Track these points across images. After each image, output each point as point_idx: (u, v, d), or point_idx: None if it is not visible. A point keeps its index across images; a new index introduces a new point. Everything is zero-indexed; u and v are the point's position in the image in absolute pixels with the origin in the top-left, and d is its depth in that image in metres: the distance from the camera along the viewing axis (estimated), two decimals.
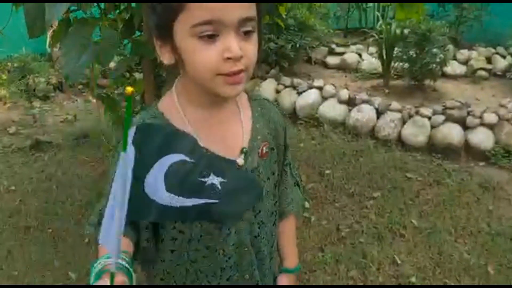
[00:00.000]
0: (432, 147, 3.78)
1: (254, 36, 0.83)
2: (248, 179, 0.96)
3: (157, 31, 0.84)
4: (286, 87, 4.66)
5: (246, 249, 0.98)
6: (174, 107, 0.91)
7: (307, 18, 4.72)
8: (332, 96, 4.35)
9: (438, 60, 4.25)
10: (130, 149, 0.75)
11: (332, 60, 5.36)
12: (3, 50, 4.49)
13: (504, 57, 5.09)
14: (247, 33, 0.81)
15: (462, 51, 5.10)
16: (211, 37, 0.78)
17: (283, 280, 1.17)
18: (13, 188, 3.33)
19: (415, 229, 2.85)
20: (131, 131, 0.78)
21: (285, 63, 4.82)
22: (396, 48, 4.46)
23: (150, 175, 0.83)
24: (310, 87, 4.50)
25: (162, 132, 0.86)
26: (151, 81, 2.73)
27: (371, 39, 4.75)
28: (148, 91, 2.73)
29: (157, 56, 0.87)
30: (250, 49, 0.81)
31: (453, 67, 4.86)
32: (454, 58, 5.01)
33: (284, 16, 4.26)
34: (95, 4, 1.91)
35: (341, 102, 4.26)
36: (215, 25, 0.77)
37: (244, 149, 0.94)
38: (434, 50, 4.19)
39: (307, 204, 3.11)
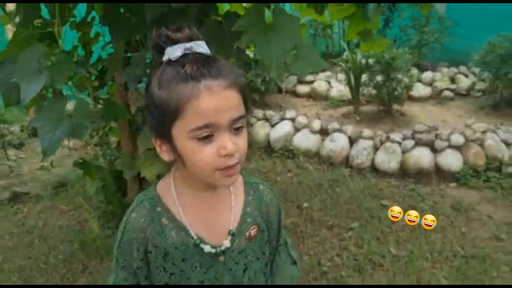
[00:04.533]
0: (405, 172, 3.90)
1: (244, 131, 0.91)
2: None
3: (156, 132, 0.91)
4: (259, 120, 4.74)
5: None
6: (169, 190, 0.99)
7: None
8: (305, 126, 4.46)
9: (403, 85, 4.41)
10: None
11: (302, 89, 5.50)
12: None
13: (466, 76, 5.31)
14: (238, 129, 0.89)
15: (426, 73, 5.30)
16: (207, 138, 0.85)
17: None
18: None
19: (394, 258, 2.92)
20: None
21: (256, 96, 4.92)
22: (363, 75, 4.61)
23: None
24: (283, 119, 4.60)
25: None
26: (127, 129, 2.78)
27: (338, 68, 4.90)
28: (124, 139, 2.78)
29: (157, 152, 0.94)
30: (241, 143, 0.89)
31: (418, 90, 5.04)
32: (419, 81, 5.20)
33: (251, 54, 4.38)
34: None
35: (313, 132, 4.37)
36: (210, 128, 0.85)
37: (231, 231, 1.01)
38: (399, 76, 4.34)
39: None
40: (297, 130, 4.49)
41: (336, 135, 4.24)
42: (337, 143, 4.17)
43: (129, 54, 2.41)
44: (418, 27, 5.40)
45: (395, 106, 4.62)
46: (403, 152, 3.96)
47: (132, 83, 2.28)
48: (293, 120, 4.55)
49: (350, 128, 4.25)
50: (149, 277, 1.01)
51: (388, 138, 4.06)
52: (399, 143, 3.99)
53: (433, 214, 3.25)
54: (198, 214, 0.99)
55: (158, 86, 0.87)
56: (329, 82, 5.43)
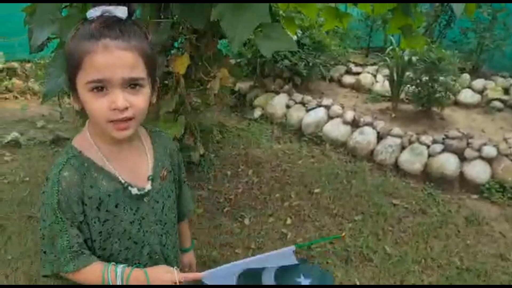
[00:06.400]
0: (427, 176, 3.82)
1: (143, 90, 1.02)
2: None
3: (68, 82, 1.04)
4: (296, 103, 4.80)
5: (157, 257, 1.21)
6: (89, 145, 1.10)
7: (324, 38, 4.84)
8: (338, 116, 4.46)
9: (446, 88, 4.26)
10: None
11: (347, 79, 5.45)
12: None
13: None
14: (134, 87, 1.00)
15: (478, 80, 5.06)
16: (101, 90, 0.97)
17: (184, 258, 1.49)
18: (27, 179, 3.66)
19: (385, 255, 2.93)
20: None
21: (298, 80, 4.96)
22: (407, 73, 4.51)
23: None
24: (319, 105, 4.62)
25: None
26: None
27: (381, 63, 4.81)
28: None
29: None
30: (137, 101, 1.01)
31: (466, 96, 4.83)
32: (469, 87, 4.98)
33: (297, 36, 4.42)
34: None
35: (345, 123, 4.36)
36: (103, 82, 0.97)
37: (150, 176, 1.17)
38: (442, 78, 4.21)
39: (288, 221, 3.26)
40: (330, 118, 4.50)
41: (366, 128, 4.21)
42: (365, 137, 4.15)
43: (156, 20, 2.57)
44: (479, 30, 5.13)
45: (435, 109, 4.48)
46: (429, 156, 3.86)
47: (156, 47, 2.44)
48: (328, 108, 4.57)
49: (381, 124, 4.20)
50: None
51: (417, 139, 3.97)
52: (428, 146, 3.90)
53: (441, 222, 3.22)
54: (120, 163, 1.12)
55: (70, 40, 1.00)
56: (375, 76, 5.34)
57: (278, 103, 4.87)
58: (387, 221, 3.28)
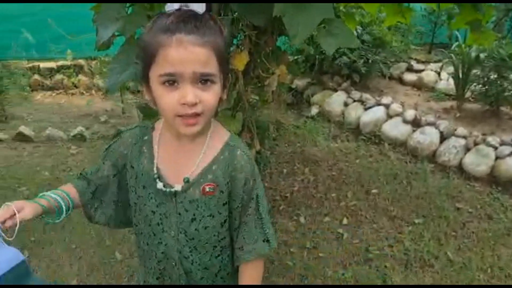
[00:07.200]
0: (494, 179, 3.61)
1: (214, 87, 1.01)
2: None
3: (141, 73, 1.06)
4: (354, 101, 4.69)
5: (174, 263, 1.17)
6: (158, 126, 1.18)
7: (384, 34, 4.70)
8: (398, 114, 4.31)
9: None
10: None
11: (409, 77, 5.25)
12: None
13: None
14: (205, 83, 0.99)
15: None
16: (172, 84, 0.98)
17: None
18: None
19: (448, 262, 2.80)
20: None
21: (356, 77, 4.84)
22: (474, 70, 4.28)
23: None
24: (378, 104, 4.49)
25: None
26: None
27: (446, 60, 4.60)
28: None
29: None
30: (206, 97, 0.99)
31: None
32: None
33: (357, 32, 4.32)
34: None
35: (406, 122, 4.21)
36: (175, 76, 0.97)
37: (186, 179, 1.11)
38: None
39: (345, 221, 3.19)
40: (389, 117, 4.37)
41: (428, 128, 4.04)
42: (427, 136, 3.99)
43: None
44: None
45: (504, 108, 4.23)
46: (497, 158, 3.65)
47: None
48: (387, 106, 4.43)
49: (444, 124, 4.02)
50: (119, 192, 1.24)
51: (484, 140, 3.77)
52: (495, 148, 3.69)
53: (509, 229, 3.05)
54: (169, 154, 1.14)
55: (147, 32, 1.02)
56: (438, 73, 5.12)
57: (335, 100, 4.78)
58: (449, 226, 3.13)
